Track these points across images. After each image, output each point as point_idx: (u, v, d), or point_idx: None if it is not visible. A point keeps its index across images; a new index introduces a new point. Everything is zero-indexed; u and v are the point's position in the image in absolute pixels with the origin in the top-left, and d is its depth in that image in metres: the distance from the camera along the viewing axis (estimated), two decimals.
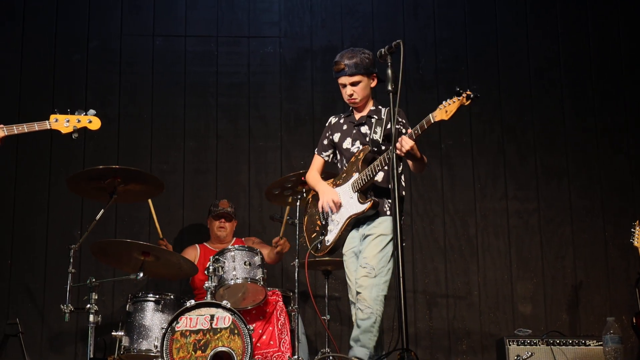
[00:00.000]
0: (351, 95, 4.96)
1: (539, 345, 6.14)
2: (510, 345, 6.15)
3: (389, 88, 4.48)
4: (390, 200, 4.88)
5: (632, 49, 7.60)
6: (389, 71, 4.49)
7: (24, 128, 4.98)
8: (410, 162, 4.86)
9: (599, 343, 6.07)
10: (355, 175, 4.89)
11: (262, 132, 7.32)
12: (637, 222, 6.22)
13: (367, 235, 4.85)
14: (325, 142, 5.17)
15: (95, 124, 5.12)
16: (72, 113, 5.07)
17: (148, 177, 5.87)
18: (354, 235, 4.94)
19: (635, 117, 7.48)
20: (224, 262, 5.71)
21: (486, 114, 7.40)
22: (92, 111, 5.12)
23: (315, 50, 7.48)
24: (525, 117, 7.43)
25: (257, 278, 5.72)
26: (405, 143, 4.57)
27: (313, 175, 5.20)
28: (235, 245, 5.92)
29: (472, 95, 4.49)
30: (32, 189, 7.03)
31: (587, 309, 7.11)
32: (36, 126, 5.01)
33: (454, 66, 7.51)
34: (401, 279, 4.16)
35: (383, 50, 4.59)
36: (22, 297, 6.85)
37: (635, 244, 6.12)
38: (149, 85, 7.33)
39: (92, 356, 5.36)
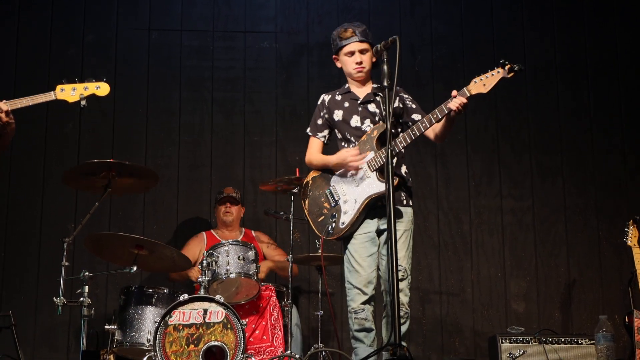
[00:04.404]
0: (360, 63, 4.87)
1: (532, 343, 6.15)
2: (502, 342, 6.16)
3: (385, 84, 4.43)
4: (404, 189, 4.89)
5: (628, 48, 7.61)
6: (385, 67, 4.45)
7: (28, 101, 4.79)
8: (443, 128, 4.77)
9: (592, 341, 6.08)
10: (371, 154, 4.79)
11: (257, 127, 7.32)
12: (631, 221, 6.22)
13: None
14: (320, 121, 5.06)
15: (103, 89, 4.94)
16: (81, 81, 4.92)
17: (142, 170, 5.84)
18: (368, 221, 4.83)
19: (630, 117, 7.48)
20: (218, 257, 5.71)
21: (481, 112, 7.41)
22: (102, 78, 4.97)
23: (311, 46, 7.48)
24: (520, 115, 7.43)
25: (250, 273, 5.72)
26: (461, 101, 4.54)
27: (317, 157, 5.05)
28: (229, 240, 5.92)
29: (515, 67, 4.42)
30: (26, 182, 7.03)
31: (580, 307, 7.12)
32: (40, 98, 4.83)
33: (450, 63, 7.51)
34: (395, 275, 4.14)
35: (379, 46, 4.56)
36: (15, 289, 6.85)
37: (629, 243, 6.13)
38: (144, 79, 7.32)
39: (84, 349, 5.34)
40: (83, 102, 4.87)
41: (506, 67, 4.44)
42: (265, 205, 6.89)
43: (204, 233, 6.69)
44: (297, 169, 6.02)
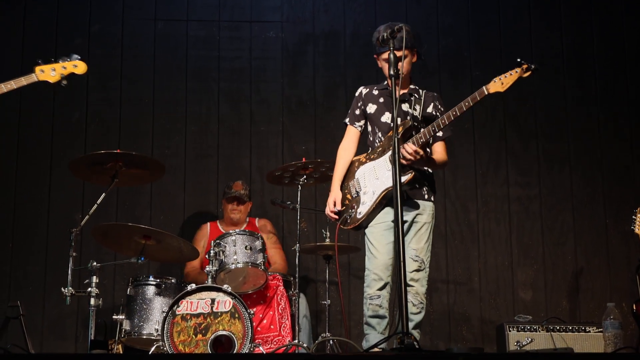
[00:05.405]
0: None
1: (539, 332, 6.15)
2: (510, 331, 6.16)
3: (391, 72, 4.49)
4: (427, 184, 5.04)
5: (634, 37, 7.58)
6: (391, 56, 4.51)
7: (12, 85, 4.76)
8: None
9: (599, 329, 6.07)
10: None
11: (263, 117, 7.32)
12: (638, 209, 6.21)
13: (412, 223, 4.89)
14: (357, 112, 5.16)
15: (81, 68, 4.91)
16: (57, 61, 4.86)
17: (149, 161, 5.87)
18: (388, 211, 4.90)
19: (637, 105, 7.46)
20: (225, 247, 5.72)
21: (488, 101, 7.31)
22: (75, 56, 4.92)
23: (317, 35, 7.46)
24: (527, 104, 7.41)
25: (257, 262, 5.73)
26: (407, 151, 4.71)
27: (341, 159, 5.14)
28: (237, 230, 5.92)
29: (532, 67, 4.59)
30: (33, 172, 7.04)
31: (587, 295, 7.12)
32: (23, 80, 4.79)
33: (457, 53, 7.49)
34: (402, 263, 4.16)
35: (385, 34, 4.60)
36: (24, 279, 6.87)
37: (636, 230, 6.12)
38: (150, 69, 7.32)
39: (93, 339, 5.36)
40: (64, 82, 4.86)
41: (523, 67, 4.61)
42: (272, 194, 6.88)
43: (208, 224, 6.67)
44: (303, 158, 6.02)
